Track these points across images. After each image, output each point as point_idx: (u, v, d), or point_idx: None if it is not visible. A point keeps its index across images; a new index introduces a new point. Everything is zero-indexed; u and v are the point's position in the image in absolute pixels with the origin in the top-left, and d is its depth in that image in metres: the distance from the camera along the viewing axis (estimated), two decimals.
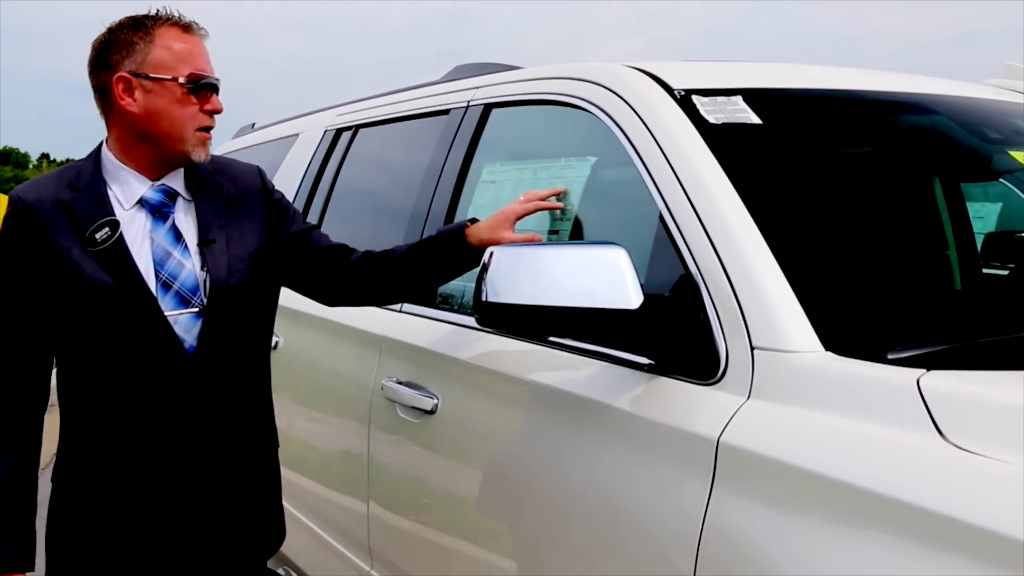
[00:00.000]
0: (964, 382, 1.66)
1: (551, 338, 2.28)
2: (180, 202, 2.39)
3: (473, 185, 2.88)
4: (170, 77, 2.29)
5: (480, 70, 3.26)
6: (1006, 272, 3.18)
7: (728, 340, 1.89)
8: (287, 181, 4.17)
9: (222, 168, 2.51)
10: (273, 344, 3.68)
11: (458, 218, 2.86)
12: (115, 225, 2.29)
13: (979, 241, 3.26)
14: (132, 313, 2.28)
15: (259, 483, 2.55)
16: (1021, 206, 3.34)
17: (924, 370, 1.66)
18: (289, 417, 3.65)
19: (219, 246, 2.39)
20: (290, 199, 4.03)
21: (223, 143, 5.65)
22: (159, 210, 2.35)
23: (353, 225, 3.73)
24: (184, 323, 2.32)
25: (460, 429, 2.56)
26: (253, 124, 5.41)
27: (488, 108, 2.96)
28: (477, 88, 3.07)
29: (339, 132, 3.94)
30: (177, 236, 2.36)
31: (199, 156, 2.34)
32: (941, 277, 2.84)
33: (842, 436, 1.64)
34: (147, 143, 2.33)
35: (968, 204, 3.21)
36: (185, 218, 2.39)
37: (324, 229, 3.74)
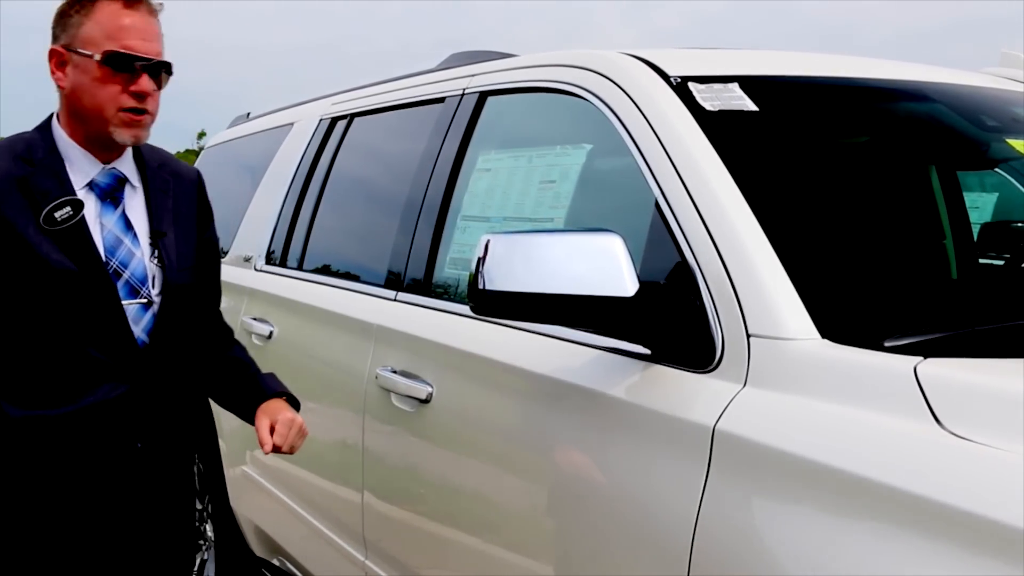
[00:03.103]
0: (961, 370, 1.65)
1: (547, 326, 2.27)
2: (128, 189, 2.32)
3: (469, 173, 2.86)
4: (90, 53, 2.20)
5: (475, 58, 3.25)
6: (1002, 262, 3.17)
7: (724, 328, 1.88)
8: (282, 170, 4.16)
9: (167, 162, 2.44)
10: (267, 333, 3.68)
11: (453, 206, 2.85)
12: (78, 205, 2.20)
13: (975, 231, 3.25)
14: (87, 299, 2.18)
15: (185, 488, 2.48)
16: (1017, 196, 3.33)
17: (921, 358, 1.65)
18: None
19: (170, 240, 2.32)
20: (285, 188, 4.03)
21: (219, 132, 5.63)
22: (109, 195, 2.27)
23: (348, 214, 3.72)
24: (132, 314, 2.24)
25: (455, 418, 2.55)
26: (248, 113, 5.39)
27: (483, 96, 2.94)
28: (472, 76, 3.06)
29: (334, 121, 3.92)
30: (127, 224, 2.28)
31: (122, 137, 2.23)
32: (937, 266, 2.84)
33: (838, 424, 1.63)
34: (79, 121, 2.25)
35: (964, 194, 3.20)
36: (133, 207, 2.31)
37: (320, 218, 3.76)
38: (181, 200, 2.41)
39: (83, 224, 2.20)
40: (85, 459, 2.23)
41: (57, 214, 2.17)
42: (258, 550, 4.08)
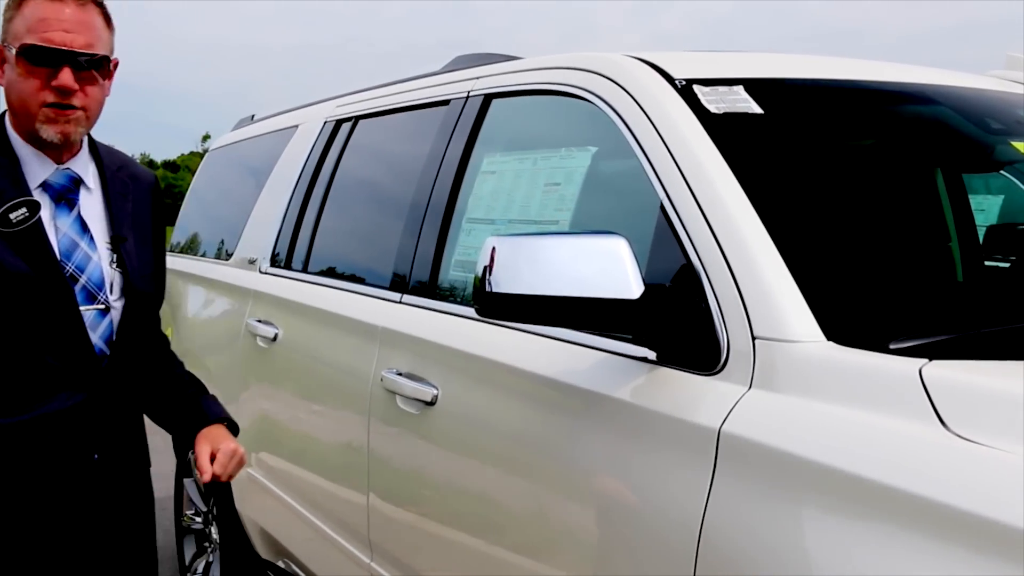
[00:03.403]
0: (966, 372, 1.65)
1: (551, 328, 2.28)
2: (83, 191, 2.23)
3: (473, 176, 2.87)
4: (15, 47, 2.11)
5: (480, 60, 3.25)
6: (1007, 265, 3.17)
7: (729, 330, 1.88)
8: (286, 173, 4.16)
9: (125, 165, 2.37)
10: (272, 336, 3.68)
11: (458, 209, 2.85)
12: (34, 206, 2.10)
13: (981, 234, 3.25)
14: (43, 304, 2.09)
15: (144, 500, 2.41)
16: (1022, 199, 3.33)
17: (926, 360, 1.65)
18: (288, 409, 3.65)
19: (131, 245, 2.25)
20: (290, 190, 4.03)
21: (223, 135, 5.64)
22: (63, 196, 2.19)
23: (353, 216, 3.72)
24: (89, 320, 2.16)
25: (460, 420, 2.55)
26: (252, 116, 5.41)
27: (488, 98, 2.95)
28: (477, 78, 3.06)
29: (339, 123, 3.93)
30: (83, 227, 2.19)
31: (48, 134, 2.13)
32: (943, 268, 2.84)
33: (844, 426, 1.63)
34: (17, 119, 2.18)
35: (970, 197, 3.20)
36: (89, 209, 2.23)
37: (324, 221, 3.76)
38: (140, 204, 2.34)
39: (39, 226, 2.11)
40: (41, 471, 2.14)
41: (12, 215, 2.08)
42: (263, 552, 4.08)
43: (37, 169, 2.18)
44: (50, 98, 2.11)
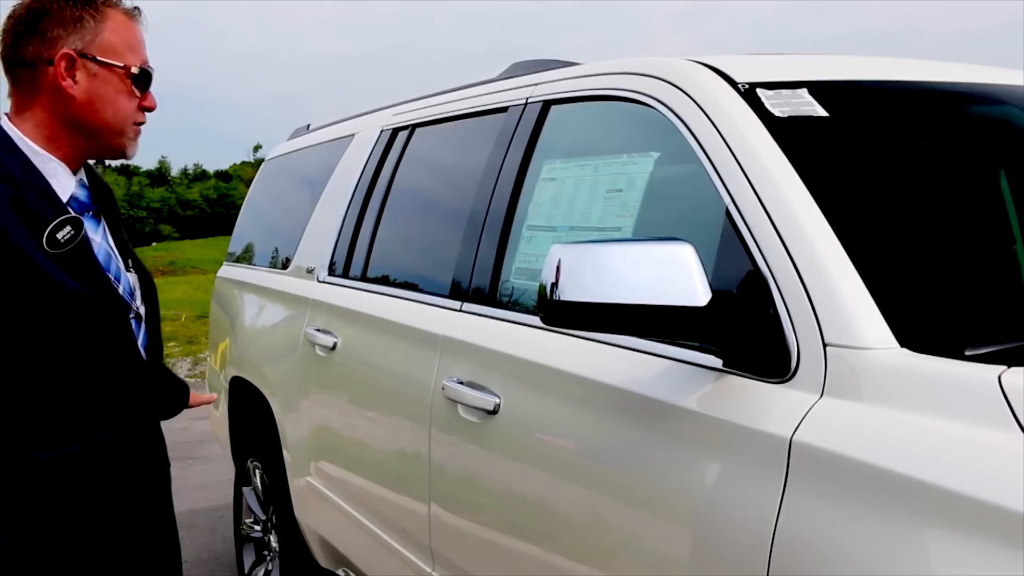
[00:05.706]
0: None
1: (615, 336, 2.26)
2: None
3: (533, 183, 2.85)
4: (121, 65, 2.09)
5: (538, 67, 3.24)
6: None
7: (799, 337, 1.86)
8: (344, 181, 4.18)
9: (92, 169, 2.28)
10: (331, 344, 3.69)
11: (517, 216, 2.84)
12: (77, 223, 2.03)
13: None
14: (102, 322, 2.05)
15: (170, 505, 2.40)
16: None
17: (1004, 367, 1.61)
18: (348, 418, 3.66)
19: (130, 248, 2.23)
20: (347, 199, 4.04)
21: (279, 144, 5.68)
22: (89, 208, 2.14)
23: (411, 225, 3.72)
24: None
25: (523, 429, 2.54)
26: (308, 125, 5.43)
27: (547, 105, 2.94)
28: (535, 85, 3.05)
29: (395, 132, 3.94)
30: (106, 237, 2.17)
31: (134, 152, 2.17)
32: (1010, 272, 2.78)
33: (921, 435, 1.60)
34: (79, 133, 2.10)
35: None
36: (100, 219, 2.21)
37: (382, 229, 3.77)
38: (115, 208, 2.29)
39: (87, 243, 2.05)
40: (113, 490, 2.13)
41: (59, 235, 1.99)
42: (323, 560, 4.10)
43: (66, 182, 2.11)
44: (141, 118, 2.16)
